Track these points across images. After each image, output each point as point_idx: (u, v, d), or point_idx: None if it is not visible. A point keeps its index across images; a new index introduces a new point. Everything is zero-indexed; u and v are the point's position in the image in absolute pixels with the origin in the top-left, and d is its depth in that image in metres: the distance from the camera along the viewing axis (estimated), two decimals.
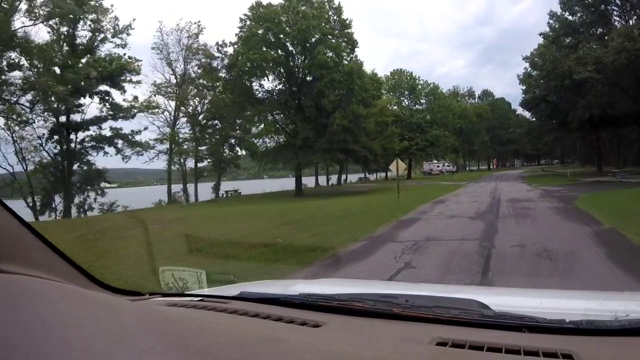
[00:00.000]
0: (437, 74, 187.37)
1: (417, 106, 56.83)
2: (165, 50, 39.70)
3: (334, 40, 31.03)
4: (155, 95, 39.59)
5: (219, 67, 36.60)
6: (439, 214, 13.06)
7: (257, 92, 32.65)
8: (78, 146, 35.27)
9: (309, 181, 53.72)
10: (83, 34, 33.85)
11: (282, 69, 31.54)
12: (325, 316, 1.21)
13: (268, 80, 32.66)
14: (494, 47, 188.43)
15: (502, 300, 1.51)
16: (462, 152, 77.44)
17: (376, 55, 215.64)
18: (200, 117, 43.30)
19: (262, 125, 31.82)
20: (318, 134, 29.46)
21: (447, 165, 71.52)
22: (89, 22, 33.85)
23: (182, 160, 43.84)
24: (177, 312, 1.28)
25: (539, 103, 40.38)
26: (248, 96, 31.75)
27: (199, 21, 54.25)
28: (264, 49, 30.29)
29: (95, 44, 34.70)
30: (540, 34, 40.98)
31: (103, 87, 34.54)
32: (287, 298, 1.39)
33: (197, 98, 42.62)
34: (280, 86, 32.50)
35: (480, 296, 1.29)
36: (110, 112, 35.53)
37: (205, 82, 40.16)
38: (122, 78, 34.98)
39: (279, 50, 31.29)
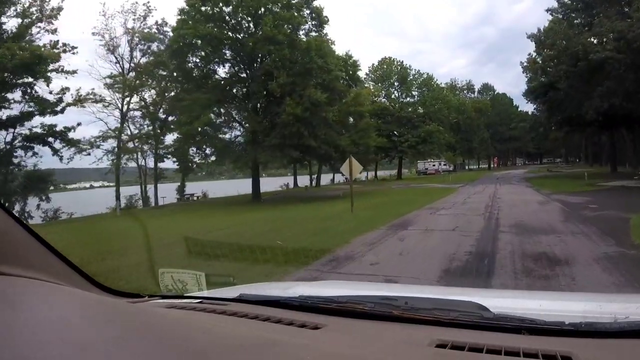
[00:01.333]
0: (438, 73, 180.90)
1: (408, 98, 49.75)
2: (108, 36, 33.17)
3: (294, 11, 24.13)
4: (108, 89, 33.48)
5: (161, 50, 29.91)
6: (365, 272, 6.20)
7: (205, 77, 25.69)
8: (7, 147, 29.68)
9: (294, 181, 47.09)
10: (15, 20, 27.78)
11: (226, 48, 24.67)
12: (325, 318, 1.17)
13: (213, 63, 25.73)
14: (495, 46, 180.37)
15: (501, 302, 1.43)
16: (460, 150, 70.08)
17: (376, 55, 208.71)
18: (161, 111, 36.89)
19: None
20: (271, 126, 22.64)
21: (444, 165, 64.47)
22: (12, 8, 27.70)
23: (141, 159, 37.53)
24: (177, 314, 1.24)
25: (546, 91, 33.02)
26: (185, 82, 25.02)
27: (148, 2, 47.48)
28: (203, 23, 23.46)
29: (22, 30, 28.49)
30: (547, 10, 33.90)
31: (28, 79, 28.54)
32: (286, 300, 1.35)
33: (152, 89, 36.16)
34: (229, 69, 25.61)
35: (480, 298, 1.25)
36: (37, 108, 29.47)
37: (161, 71, 33.61)
38: (49, 68, 28.66)
39: (223, 26, 24.38)
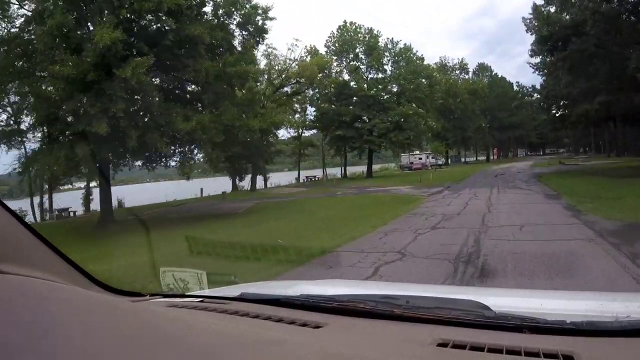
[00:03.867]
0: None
1: (379, 74, 37.79)
2: None
3: None
4: None
5: None
6: None
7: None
8: None
9: (232, 183, 35.40)
10: None
11: None
12: (326, 317, 1.15)
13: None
14: (494, 38, 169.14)
15: (502, 301, 1.39)
16: (453, 140, 58.07)
17: None
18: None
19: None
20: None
21: (432, 158, 52.53)
22: None
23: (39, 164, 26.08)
24: (178, 313, 1.21)
25: (566, 39, 20.67)
26: None
27: None
28: None
29: None
30: None
31: None
32: (288, 299, 1.32)
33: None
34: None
35: (481, 297, 1.23)
36: None
37: None
38: None
39: None
